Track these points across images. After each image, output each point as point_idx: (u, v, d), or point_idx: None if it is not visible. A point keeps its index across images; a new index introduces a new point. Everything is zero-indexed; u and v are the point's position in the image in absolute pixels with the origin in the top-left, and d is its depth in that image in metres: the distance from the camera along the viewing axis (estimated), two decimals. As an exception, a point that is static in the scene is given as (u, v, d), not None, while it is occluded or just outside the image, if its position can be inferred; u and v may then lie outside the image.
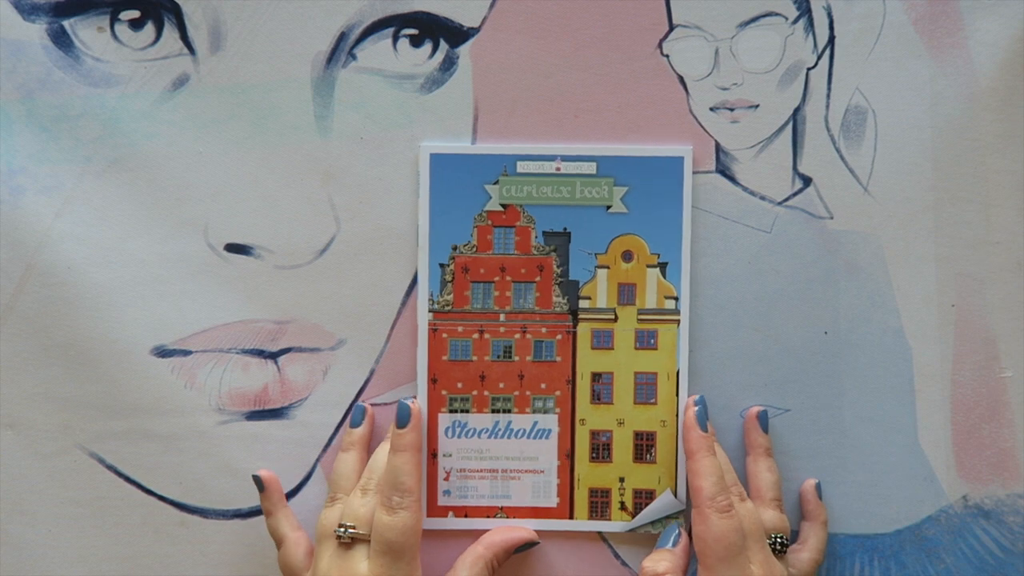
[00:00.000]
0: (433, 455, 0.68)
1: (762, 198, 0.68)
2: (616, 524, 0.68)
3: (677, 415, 0.67)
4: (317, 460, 0.69)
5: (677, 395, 0.68)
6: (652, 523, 0.68)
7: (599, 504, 0.68)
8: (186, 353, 0.68)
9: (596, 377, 0.68)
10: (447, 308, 0.68)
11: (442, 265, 0.68)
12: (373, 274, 0.68)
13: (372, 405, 0.69)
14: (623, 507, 0.68)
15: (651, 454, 0.68)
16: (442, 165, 0.67)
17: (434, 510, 0.68)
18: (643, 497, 0.68)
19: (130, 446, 0.68)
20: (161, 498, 0.69)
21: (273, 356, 0.68)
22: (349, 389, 0.69)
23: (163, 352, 0.68)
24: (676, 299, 0.68)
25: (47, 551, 0.69)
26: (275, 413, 0.69)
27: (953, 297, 0.68)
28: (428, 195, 0.67)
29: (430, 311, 0.68)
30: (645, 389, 0.68)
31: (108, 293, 0.67)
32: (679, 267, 0.67)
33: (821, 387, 0.69)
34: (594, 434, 0.68)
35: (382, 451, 0.65)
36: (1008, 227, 0.67)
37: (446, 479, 0.68)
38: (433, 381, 0.68)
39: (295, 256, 0.68)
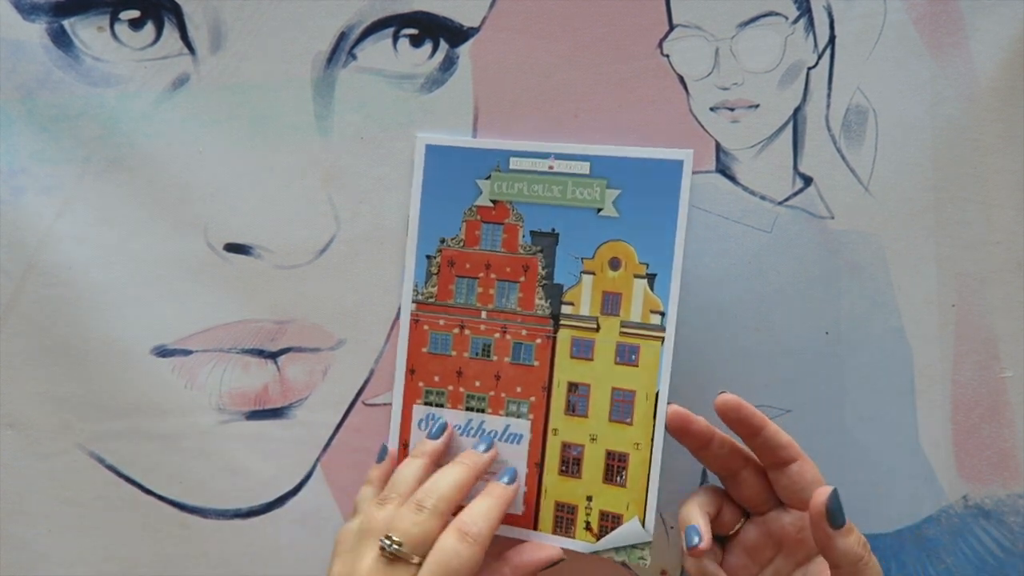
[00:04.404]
0: (404, 445, 0.68)
1: (762, 198, 0.68)
2: (579, 544, 0.64)
3: (652, 439, 0.63)
4: (317, 460, 0.69)
5: (654, 418, 0.63)
6: (616, 549, 0.64)
7: (564, 520, 0.65)
8: (186, 353, 0.68)
9: (572, 387, 0.65)
10: (430, 300, 0.68)
11: (429, 257, 0.68)
12: (373, 274, 0.68)
13: (371, 405, 0.69)
14: (588, 527, 0.64)
15: (621, 477, 0.64)
16: (437, 157, 0.67)
17: None
18: (609, 521, 0.64)
19: (130, 446, 0.68)
20: (161, 498, 0.69)
21: (273, 356, 0.68)
22: (349, 389, 0.69)
23: (163, 352, 0.68)
24: (662, 315, 0.63)
25: (47, 551, 0.69)
26: (275, 413, 0.69)
27: (953, 297, 0.68)
28: (421, 185, 0.67)
29: (413, 302, 0.68)
30: (622, 407, 0.64)
31: (108, 293, 0.67)
32: (668, 280, 0.63)
33: (822, 387, 0.69)
34: (565, 446, 0.65)
35: (412, 466, 0.63)
36: (1008, 227, 0.67)
37: None
38: (411, 372, 0.68)
39: (295, 256, 0.68)
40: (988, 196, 0.67)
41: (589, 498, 0.65)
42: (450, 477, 0.61)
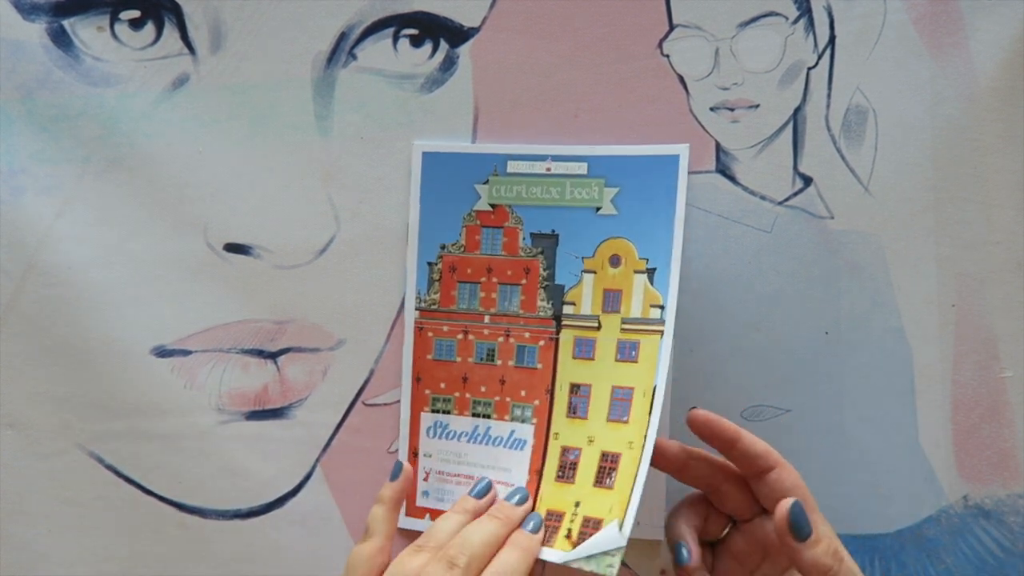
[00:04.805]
0: (414, 454, 0.68)
1: (762, 198, 0.68)
2: (554, 553, 0.60)
3: (645, 436, 0.60)
4: (317, 460, 0.69)
5: (650, 414, 0.61)
6: (587, 558, 0.59)
7: (549, 528, 0.62)
8: (186, 353, 0.68)
9: (574, 388, 0.65)
10: (433, 307, 0.68)
11: (430, 263, 0.68)
12: (373, 274, 0.68)
13: (371, 406, 0.69)
14: (568, 535, 0.61)
15: (611, 479, 0.61)
16: (434, 163, 0.67)
17: (412, 510, 0.68)
18: (591, 527, 0.60)
19: (130, 446, 0.68)
20: (161, 498, 0.69)
21: (273, 356, 0.68)
22: (349, 389, 0.69)
23: (163, 352, 0.68)
24: (662, 308, 0.63)
25: (47, 551, 0.69)
26: (275, 413, 0.69)
27: (953, 297, 0.68)
28: (419, 193, 0.67)
29: (416, 309, 0.68)
30: (620, 405, 0.63)
31: (108, 293, 0.67)
32: (667, 273, 0.63)
33: (821, 387, 0.69)
34: (564, 451, 0.64)
35: (452, 521, 0.62)
36: (1008, 227, 0.67)
37: (425, 479, 0.68)
38: (417, 380, 0.68)
39: (295, 256, 0.68)
40: (988, 196, 0.67)
41: (577, 504, 0.62)
42: (484, 532, 0.60)
